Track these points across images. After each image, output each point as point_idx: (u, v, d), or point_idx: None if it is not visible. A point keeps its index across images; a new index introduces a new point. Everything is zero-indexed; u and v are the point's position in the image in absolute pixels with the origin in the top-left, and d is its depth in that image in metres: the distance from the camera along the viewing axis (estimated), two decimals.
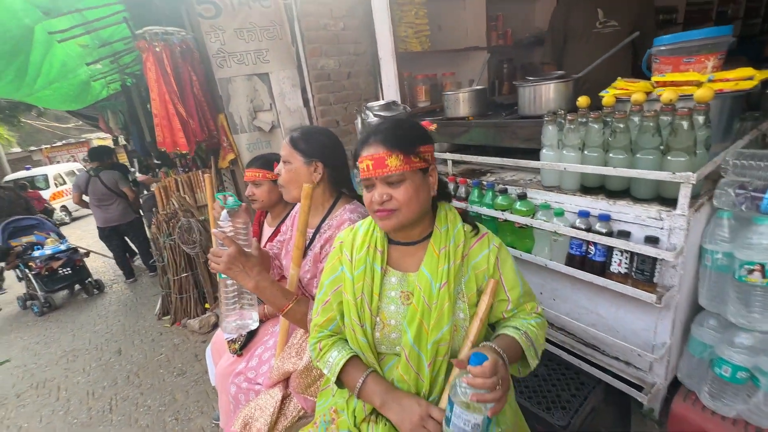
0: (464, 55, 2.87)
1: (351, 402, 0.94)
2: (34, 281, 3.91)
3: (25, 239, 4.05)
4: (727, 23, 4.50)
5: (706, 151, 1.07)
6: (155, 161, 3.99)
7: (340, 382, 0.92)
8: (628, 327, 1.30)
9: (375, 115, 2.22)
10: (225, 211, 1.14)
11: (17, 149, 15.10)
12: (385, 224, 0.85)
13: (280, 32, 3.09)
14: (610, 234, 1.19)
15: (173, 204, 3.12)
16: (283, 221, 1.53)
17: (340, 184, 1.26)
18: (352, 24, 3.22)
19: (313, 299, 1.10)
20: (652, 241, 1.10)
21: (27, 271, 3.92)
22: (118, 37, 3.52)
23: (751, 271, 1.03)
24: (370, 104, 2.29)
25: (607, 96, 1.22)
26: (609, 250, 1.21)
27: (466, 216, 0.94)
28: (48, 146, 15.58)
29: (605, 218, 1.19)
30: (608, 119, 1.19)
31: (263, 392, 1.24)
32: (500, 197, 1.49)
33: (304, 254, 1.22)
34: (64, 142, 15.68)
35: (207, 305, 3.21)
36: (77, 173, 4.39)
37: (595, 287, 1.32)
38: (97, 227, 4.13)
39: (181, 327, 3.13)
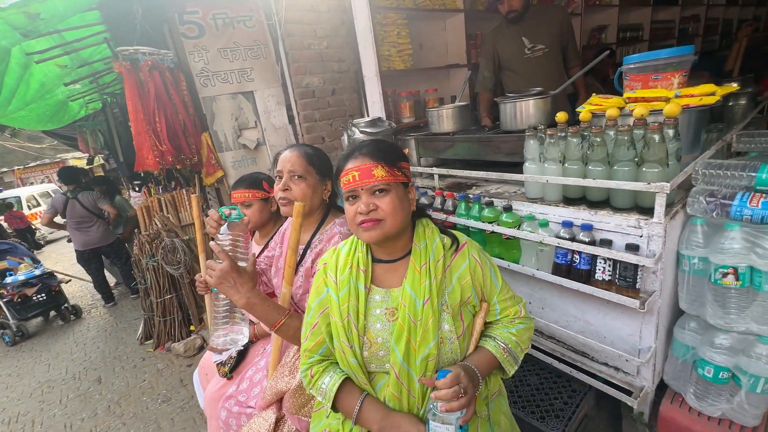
0: (445, 72, 2.97)
1: (347, 424, 0.93)
2: (5, 309, 3.72)
3: None
4: (688, 40, 4.81)
5: (677, 161, 1.13)
6: (135, 181, 3.90)
7: (334, 407, 0.91)
8: (615, 333, 1.34)
9: (361, 132, 2.26)
10: (226, 224, 1.12)
11: None
12: (370, 235, 0.85)
13: (264, 52, 3.13)
14: (593, 243, 1.23)
15: (156, 224, 3.06)
16: (271, 238, 1.52)
17: (333, 201, 1.28)
18: (336, 43, 3.29)
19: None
20: (632, 248, 1.15)
21: None
22: (99, 57, 3.48)
23: (725, 275, 1.09)
24: (356, 121, 2.33)
25: (584, 112, 1.29)
26: (593, 259, 1.26)
27: (444, 228, 0.96)
28: (20, 167, 15.04)
29: (587, 228, 1.24)
30: (586, 133, 1.26)
31: (256, 415, 1.21)
32: (486, 210, 1.52)
33: (296, 270, 1.22)
34: (38, 162, 15.17)
35: (192, 327, 3.11)
36: (53, 194, 4.23)
37: (582, 295, 1.35)
38: (76, 250, 3.98)
39: (164, 351, 3.03)
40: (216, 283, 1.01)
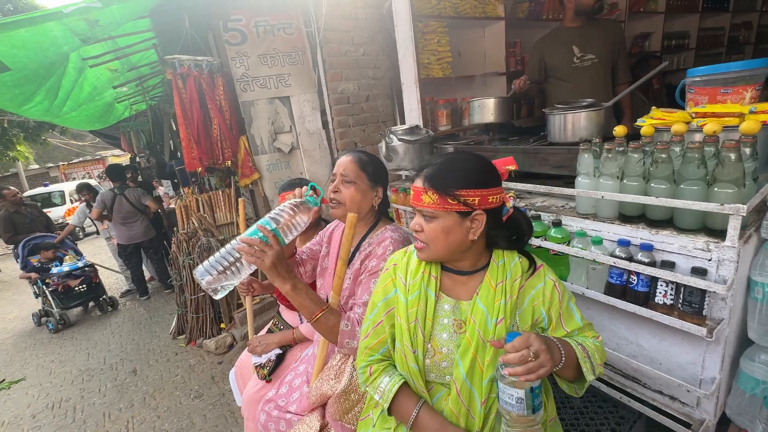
0: (483, 80, 2.93)
1: (399, 431, 0.92)
2: (50, 298, 3.93)
3: (44, 255, 4.10)
4: (738, 48, 4.55)
5: (753, 182, 1.06)
6: (173, 180, 4.06)
7: (388, 411, 0.90)
8: (673, 360, 1.26)
9: (399, 139, 2.26)
10: (300, 200, 1.12)
11: (35, 166, 15.50)
12: (417, 255, 0.89)
13: (301, 58, 3.19)
14: (653, 264, 1.17)
15: (193, 223, 3.15)
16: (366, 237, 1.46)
17: (384, 209, 1.28)
18: (372, 50, 3.32)
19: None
20: (699, 272, 1.08)
21: (44, 287, 3.95)
22: (146, 62, 3.66)
23: None
24: (394, 128, 2.33)
25: (646, 126, 1.23)
26: (653, 281, 1.19)
27: (521, 249, 0.92)
28: (65, 163, 15.97)
29: (647, 248, 1.17)
30: (647, 149, 1.20)
31: (300, 421, 1.21)
32: (533, 223, 1.48)
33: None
34: (80, 159, 16.07)
35: (222, 325, 3.19)
36: (97, 189, 4.47)
37: (636, 317, 1.29)
38: (119, 245, 4.17)
39: (196, 347, 3.11)
40: (269, 265, 0.97)
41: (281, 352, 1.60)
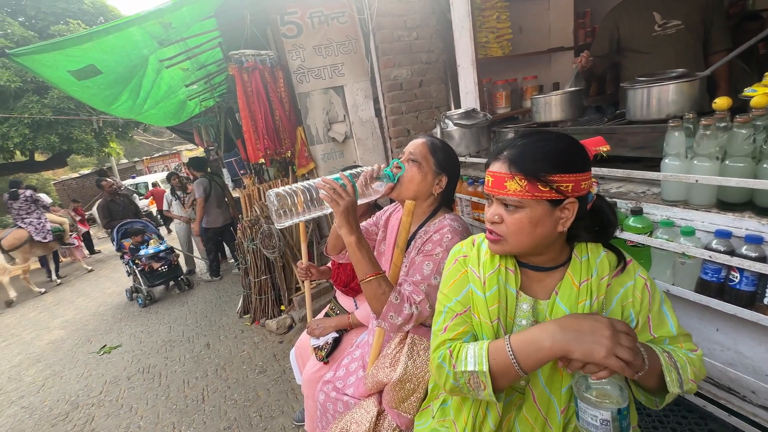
0: (546, 57, 2.70)
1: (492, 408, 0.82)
2: (139, 276, 4.47)
3: (134, 239, 4.66)
4: None
5: None
6: (241, 171, 4.36)
7: (491, 376, 0.73)
8: None
9: (455, 124, 2.17)
10: (379, 170, 1.16)
11: (124, 160, 17.63)
12: (490, 247, 0.79)
13: (355, 47, 3.19)
14: (762, 259, 0.99)
15: (256, 211, 3.36)
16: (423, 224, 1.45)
17: (446, 199, 1.24)
18: (425, 33, 3.21)
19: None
20: None
21: (134, 267, 4.50)
22: (212, 60, 3.92)
23: None
24: (449, 113, 2.24)
25: (758, 96, 1.03)
26: (760, 279, 1.02)
27: (607, 242, 0.82)
28: (148, 157, 17.94)
29: (756, 240, 1.00)
30: (759, 123, 1.01)
31: (358, 405, 1.24)
32: None
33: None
34: (159, 153, 17.94)
35: (282, 307, 3.38)
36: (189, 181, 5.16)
37: (734, 320, 1.11)
38: (206, 228, 4.62)
39: (259, 326, 3.34)
40: (342, 209, 1.01)
41: (338, 335, 1.65)
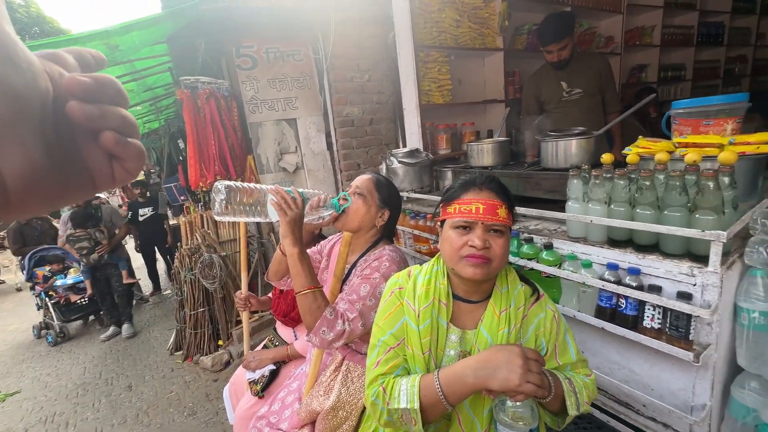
0: (483, 107, 3.03)
1: None
2: (52, 310, 3.96)
3: (48, 268, 4.16)
4: (735, 80, 4.67)
5: (733, 210, 1.09)
6: (181, 197, 4.16)
7: (421, 411, 0.78)
8: (664, 386, 1.26)
9: (399, 162, 2.33)
10: (327, 198, 1.21)
11: None
12: (475, 272, 0.81)
13: (309, 83, 3.34)
14: (640, 288, 1.19)
15: (197, 239, 3.21)
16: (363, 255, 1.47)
17: (388, 231, 1.33)
18: (377, 76, 3.46)
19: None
20: (685, 297, 1.10)
21: (47, 299, 3.99)
22: (161, 83, 3.83)
23: None
24: (395, 151, 2.41)
25: (631, 154, 1.28)
26: (641, 305, 1.21)
27: (523, 275, 0.95)
28: None
29: (635, 272, 1.20)
30: (633, 176, 1.25)
31: None
32: (526, 246, 1.51)
33: (340, 290, 1.25)
34: None
35: (220, 342, 3.18)
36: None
37: (627, 341, 1.29)
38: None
39: (192, 363, 3.10)
40: (289, 219, 1.05)
41: (275, 368, 1.61)
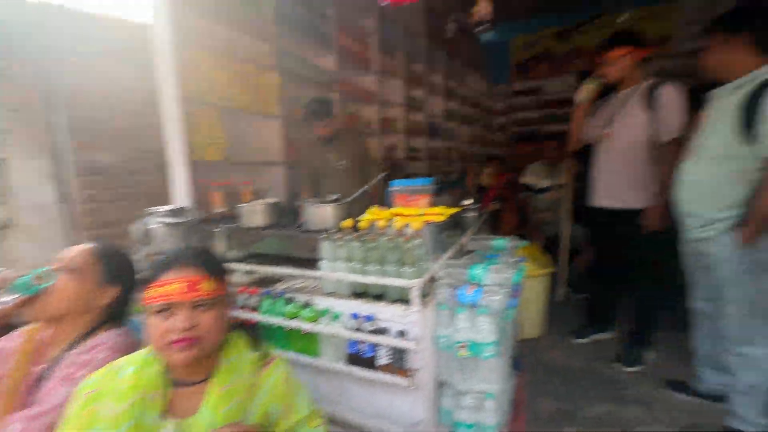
0: (262, 167, 3.12)
1: None
2: None
3: None
4: (450, 162, 6.69)
5: (427, 262, 1.52)
6: None
7: None
8: (398, 410, 1.52)
9: (159, 222, 2.04)
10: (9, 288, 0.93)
11: None
12: (186, 356, 0.77)
13: (32, 117, 2.57)
14: (375, 332, 1.44)
15: None
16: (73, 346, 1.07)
17: (115, 313, 1.10)
18: (139, 122, 3.04)
19: None
20: (401, 334, 1.41)
21: None
22: None
23: (461, 348, 1.45)
24: (153, 209, 2.10)
25: (363, 220, 1.60)
26: (376, 346, 1.46)
27: (255, 340, 0.95)
28: None
29: (370, 318, 1.45)
30: (364, 239, 1.54)
31: None
32: (289, 305, 1.58)
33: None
34: None
35: None
36: None
37: (372, 380, 1.51)
38: None
39: None
40: None
41: None
